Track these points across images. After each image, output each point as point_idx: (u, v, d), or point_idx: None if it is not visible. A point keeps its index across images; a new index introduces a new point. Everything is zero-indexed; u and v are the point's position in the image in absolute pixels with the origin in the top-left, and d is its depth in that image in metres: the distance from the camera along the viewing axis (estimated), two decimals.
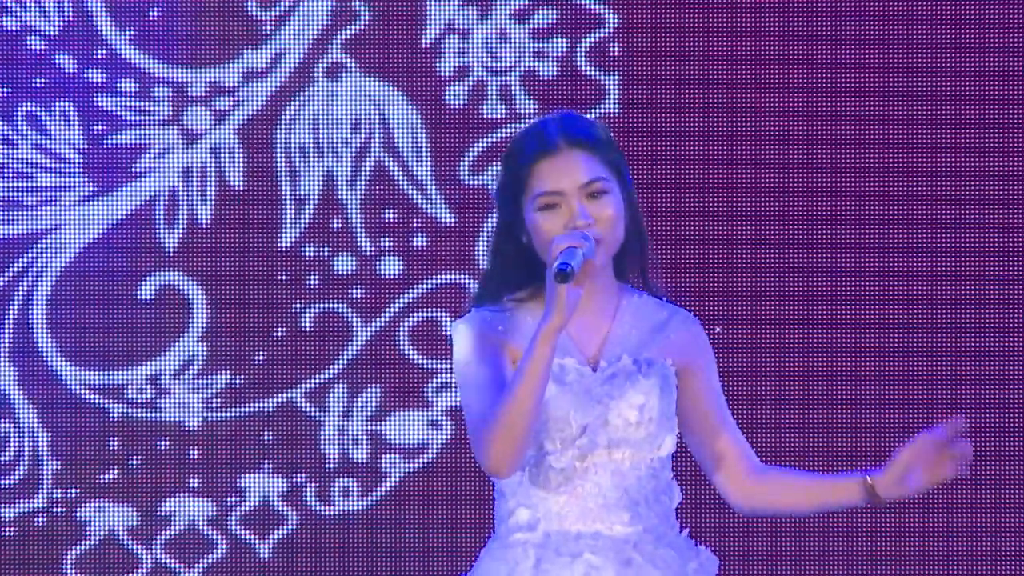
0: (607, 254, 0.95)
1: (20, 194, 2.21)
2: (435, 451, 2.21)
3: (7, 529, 2.16)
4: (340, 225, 2.19)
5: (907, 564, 2.48)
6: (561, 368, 0.88)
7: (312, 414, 2.18)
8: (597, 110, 2.24)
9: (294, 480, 2.15)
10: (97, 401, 2.16)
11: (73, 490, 2.15)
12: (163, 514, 2.14)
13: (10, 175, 2.20)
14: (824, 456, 2.50)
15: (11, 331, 2.17)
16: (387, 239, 2.21)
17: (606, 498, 1.02)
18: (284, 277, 2.19)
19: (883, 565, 2.48)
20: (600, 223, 0.87)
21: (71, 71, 2.24)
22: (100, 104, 2.24)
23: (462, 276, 2.22)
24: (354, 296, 2.20)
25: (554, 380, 0.86)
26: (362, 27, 2.20)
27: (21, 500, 2.16)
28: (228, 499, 2.14)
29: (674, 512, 1.05)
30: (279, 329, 2.17)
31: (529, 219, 0.93)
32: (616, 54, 2.25)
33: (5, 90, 2.19)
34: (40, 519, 2.17)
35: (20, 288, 2.18)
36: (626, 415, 1.01)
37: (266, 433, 2.16)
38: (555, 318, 0.92)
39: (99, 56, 2.19)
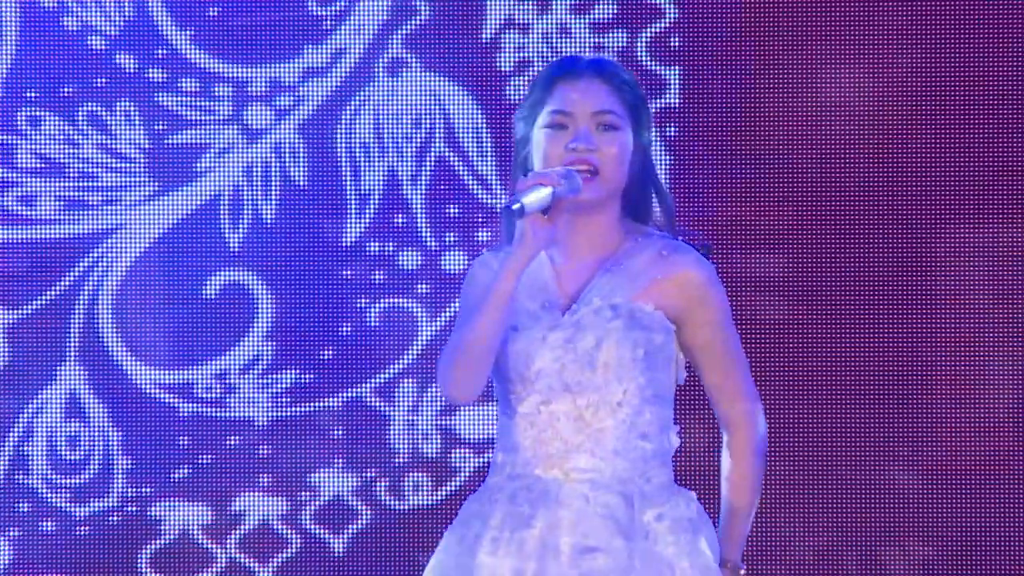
0: (604, 190, 0.94)
1: (83, 194, 2.21)
2: None
3: (81, 528, 2.17)
4: (404, 221, 2.18)
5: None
6: (526, 311, 0.88)
7: (381, 410, 2.18)
8: (657, 103, 2.24)
9: (365, 476, 2.16)
10: (166, 399, 2.17)
11: (145, 488, 2.16)
12: (235, 511, 2.15)
13: (73, 175, 2.20)
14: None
15: (78, 331, 2.18)
16: (451, 234, 2.21)
17: (566, 443, 1.02)
18: (349, 273, 2.19)
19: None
20: (601, 155, 0.87)
21: (132, 70, 2.24)
22: (162, 103, 2.23)
23: None
24: (420, 292, 2.21)
25: (519, 323, 0.87)
26: (421, 23, 2.18)
27: (93, 499, 2.16)
28: (300, 496, 2.14)
29: (658, 459, 1.02)
30: (345, 326, 2.18)
31: (535, 136, 0.93)
32: (676, 46, 2.22)
33: (67, 90, 2.18)
34: (113, 518, 2.17)
35: (86, 288, 2.19)
36: (581, 360, 1.01)
37: (336, 429, 2.17)
38: (517, 253, 0.94)
39: (160, 55, 2.17)
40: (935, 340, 2.56)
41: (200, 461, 2.17)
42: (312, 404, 2.19)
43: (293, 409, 2.18)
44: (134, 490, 2.17)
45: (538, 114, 0.92)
